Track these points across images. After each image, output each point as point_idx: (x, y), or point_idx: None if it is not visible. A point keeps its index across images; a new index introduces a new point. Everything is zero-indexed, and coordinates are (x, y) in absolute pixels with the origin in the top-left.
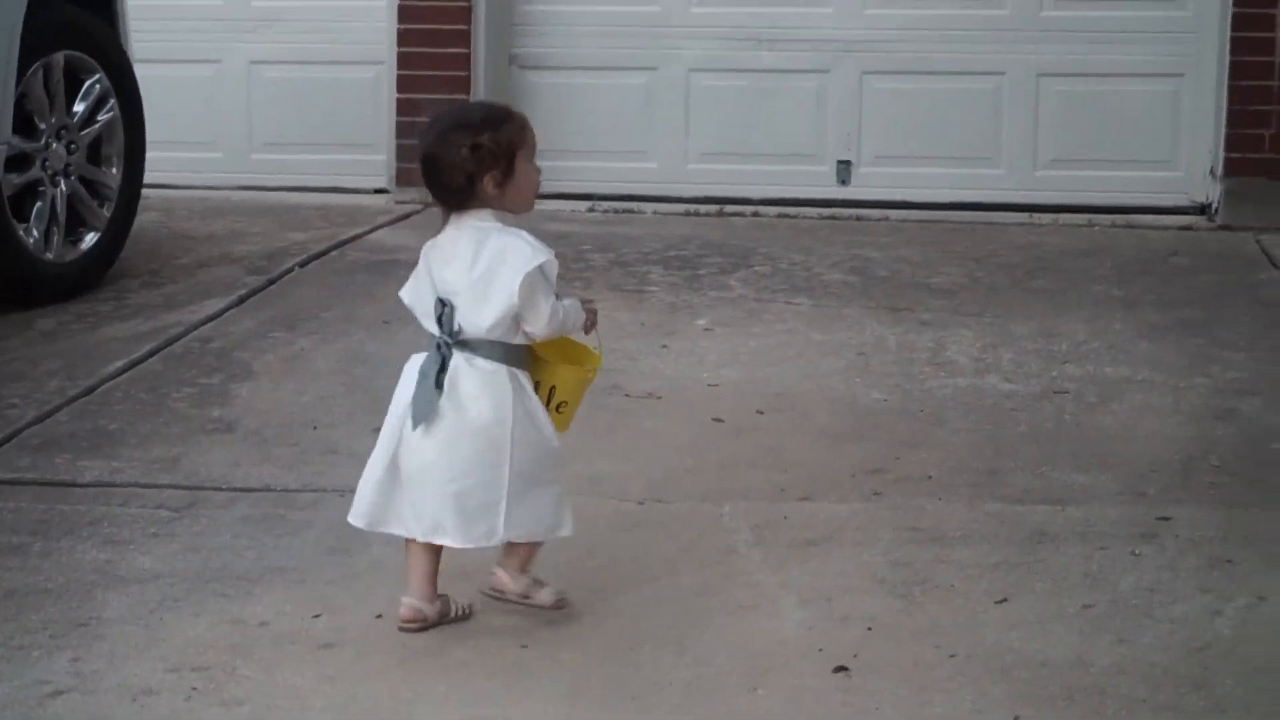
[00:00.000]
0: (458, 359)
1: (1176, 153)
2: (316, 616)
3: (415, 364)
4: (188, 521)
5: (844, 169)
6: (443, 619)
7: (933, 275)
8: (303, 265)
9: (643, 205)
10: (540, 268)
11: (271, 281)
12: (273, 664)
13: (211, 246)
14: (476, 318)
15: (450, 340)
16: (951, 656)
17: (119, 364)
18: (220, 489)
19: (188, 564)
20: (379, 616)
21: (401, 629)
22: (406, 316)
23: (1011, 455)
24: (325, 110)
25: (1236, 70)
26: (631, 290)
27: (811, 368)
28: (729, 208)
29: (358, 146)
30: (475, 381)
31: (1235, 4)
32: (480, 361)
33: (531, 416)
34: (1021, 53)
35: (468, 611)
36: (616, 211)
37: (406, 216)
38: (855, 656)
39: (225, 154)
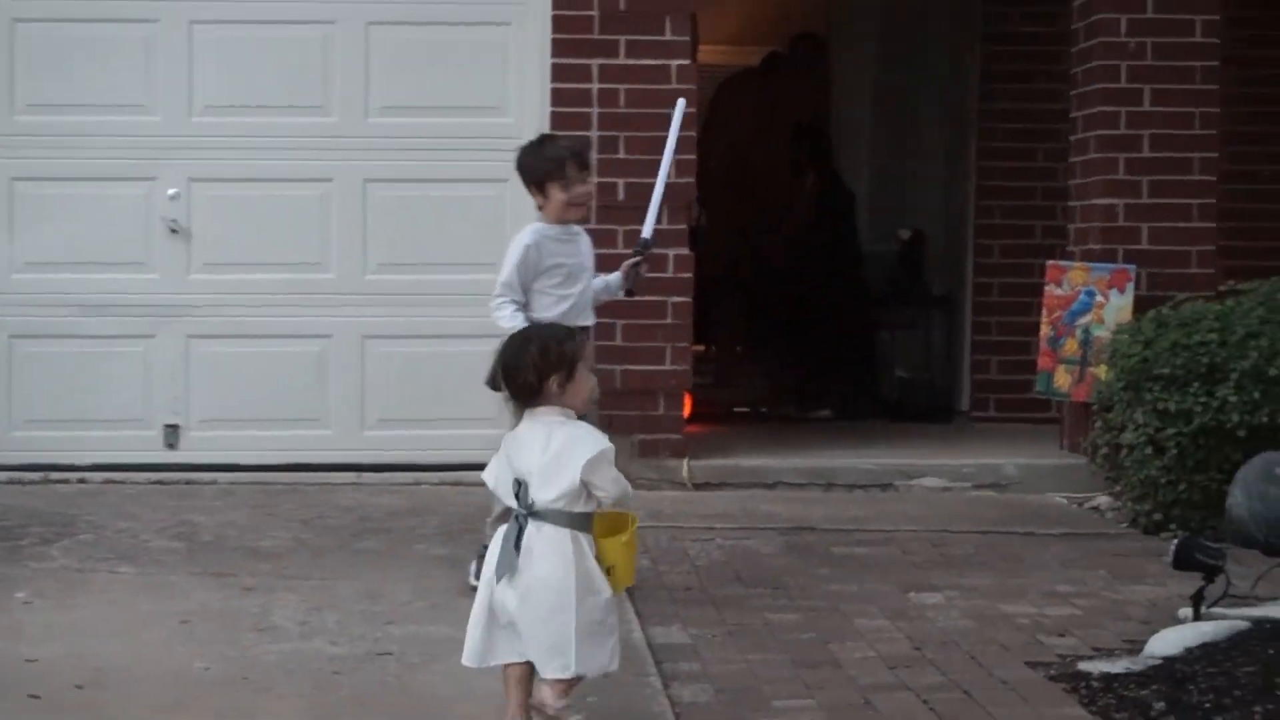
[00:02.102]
0: (531, 527)
1: (501, 411)
2: None
3: (500, 532)
4: None
5: (172, 433)
6: None
7: (260, 539)
8: None
9: None
10: (603, 452)
11: None
12: None
13: None
14: (545, 494)
15: (525, 512)
16: None
17: None
18: None
19: None
20: None
21: None
22: None
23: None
24: None
25: None
26: None
27: (135, 638)
28: (54, 474)
29: None
30: (544, 545)
31: None
32: (548, 529)
33: (590, 574)
34: (347, 315)
35: None
36: None
37: None
38: None
39: None
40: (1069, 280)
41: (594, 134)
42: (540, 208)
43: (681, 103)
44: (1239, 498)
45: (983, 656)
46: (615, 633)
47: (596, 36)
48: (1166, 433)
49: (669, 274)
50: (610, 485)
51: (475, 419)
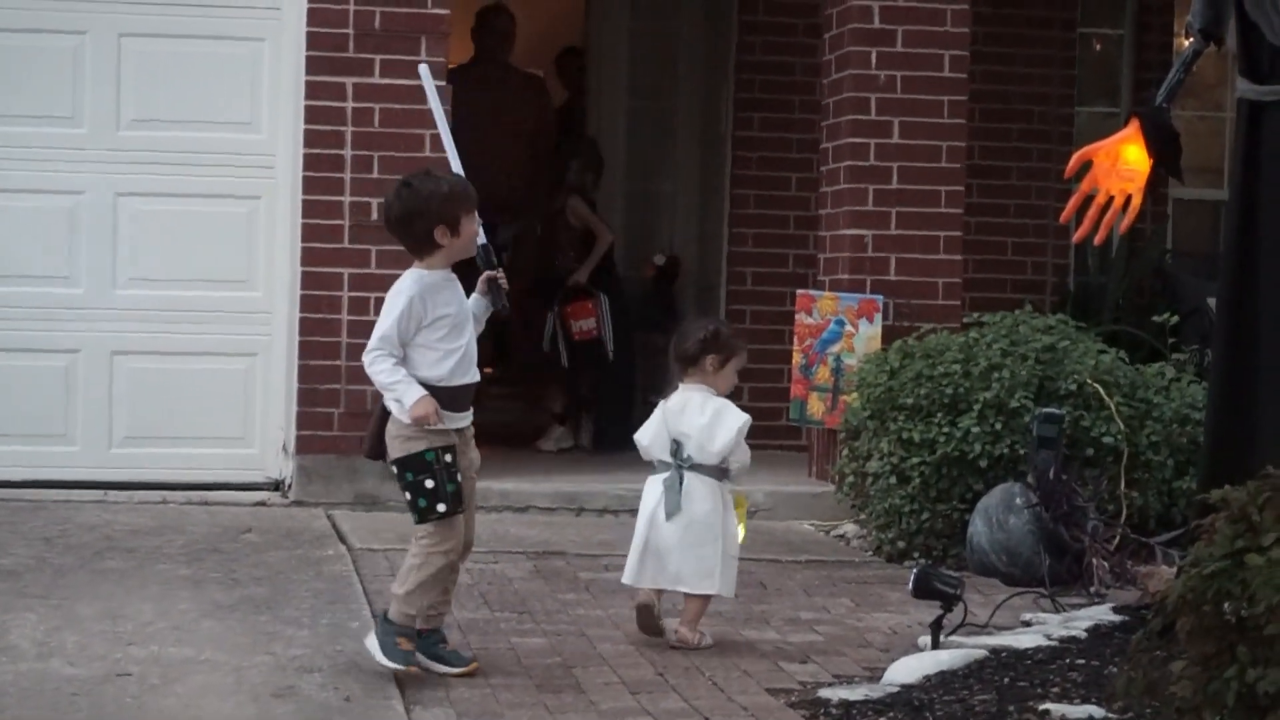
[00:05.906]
0: (690, 476)
1: (250, 429)
2: None
3: (653, 482)
4: None
5: None
6: (658, 624)
7: (1, 557)
8: None
9: None
10: (745, 423)
11: None
12: None
13: None
14: (709, 449)
15: (683, 464)
16: None
17: None
18: None
19: None
20: None
21: (638, 606)
22: None
23: None
24: None
25: (306, 350)
26: None
27: None
28: None
29: None
30: (701, 489)
31: (303, 288)
32: (703, 477)
33: (731, 516)
34: (96, 330)
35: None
36: None
37: None
38: None
39: None
40: (819, 309)
41: (347, 153)
42: (434, 251)
43: (424, 69)
44: (980, 527)
45: (725, 683)
46: (737, 562)
47: (351, 55)
48: (911, 462)
49: None
50: (743, 453)
51: (223, 438)
